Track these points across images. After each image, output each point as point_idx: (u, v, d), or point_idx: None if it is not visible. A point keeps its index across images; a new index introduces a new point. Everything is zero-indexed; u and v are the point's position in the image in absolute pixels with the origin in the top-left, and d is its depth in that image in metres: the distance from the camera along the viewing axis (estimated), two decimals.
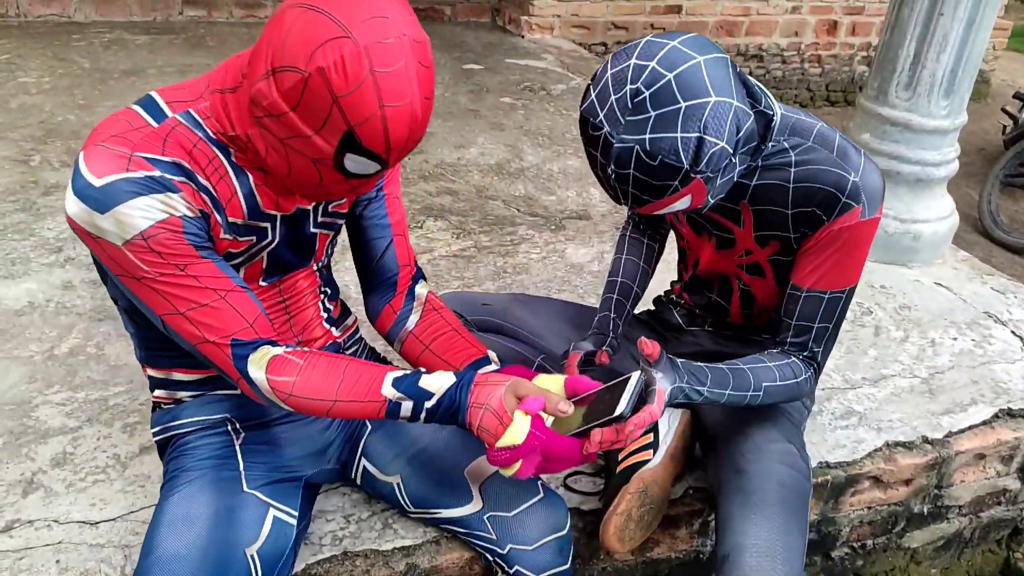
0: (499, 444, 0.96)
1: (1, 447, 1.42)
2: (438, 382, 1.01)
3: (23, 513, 1.29)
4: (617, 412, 0.97)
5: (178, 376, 1.17)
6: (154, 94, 1.01)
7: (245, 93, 0.95)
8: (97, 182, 0.92)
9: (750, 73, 5.55)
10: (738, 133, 1.00)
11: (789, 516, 1.21)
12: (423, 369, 1.09)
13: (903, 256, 2.33)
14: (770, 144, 1.15)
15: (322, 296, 1.25)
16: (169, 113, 0.98)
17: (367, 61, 0.86)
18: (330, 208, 1.16)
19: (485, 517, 1.20)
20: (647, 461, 1.35)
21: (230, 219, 1.03)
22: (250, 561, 1.07)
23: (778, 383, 1.22)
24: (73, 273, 2.00)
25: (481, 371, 1.14)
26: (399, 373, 1.02)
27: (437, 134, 3.16)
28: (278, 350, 1.03)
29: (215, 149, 1.00)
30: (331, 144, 0.90)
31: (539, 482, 1.23)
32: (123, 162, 0.93)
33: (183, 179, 0.96)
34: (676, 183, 0.99)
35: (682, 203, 1.03)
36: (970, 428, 1.71)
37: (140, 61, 3.81)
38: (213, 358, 1.02)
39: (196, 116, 0.99)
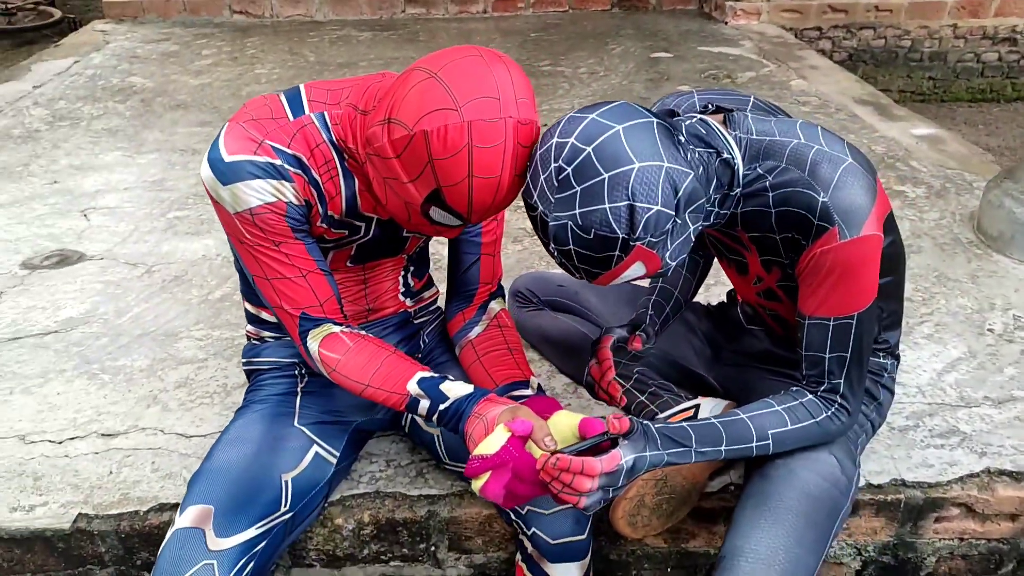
0: (474, 451, 1.04)
1: (145, 368, 1.74)
2: (456, 390, 1.13)
3: (141, 421, 1.57)
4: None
5: (265, 316, 1.35)
6: (302, 88, 1.15)
7: (368, 125, 1.07)
8: (227, 157, 1.07)
9: (999, 59, 4.91)
10: (676, 194, 0.96)
11: (805, 528, 1.14)
12: (450, 376, 1.17)
13: None
14: (743, 175, 1.10)
15: (405, 274, 1.38)
16: (307, 110, 1.12)
17: (467, 135, 0.95)
18: None
19: None
20: None
21: (330, 212, 1.17)
22: (283, 485, 1.22)
23: (788, 428, 1.14)
24: None
25: (512, 393, 1.24)
26: (427, 374, 1.15)
27: None
28: (337, 329, 1.18)
29: (333, 152, 1.13)
30: (421, 194, 1.01)
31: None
32: (253, 146, 1.08)
33: (298, 171, 1.10)
34: (617, 252, 0.97)
35: (635, 270, 1.01)
36: None
37: (356, 55, 4.25)
38: (283, 321, 1.19)
39: (327, 120, 1.12)
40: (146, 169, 2.81)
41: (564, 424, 1.10)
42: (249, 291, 1.35)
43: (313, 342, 1.17)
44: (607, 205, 0.94)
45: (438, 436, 1.37)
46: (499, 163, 0.97)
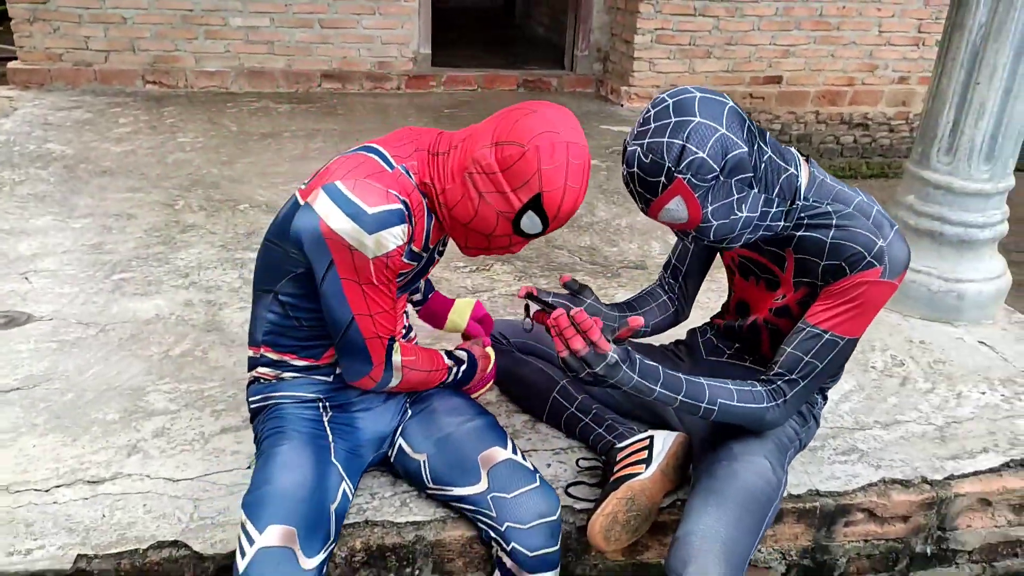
0: (446, 327, 1.74)
1: (117, 420, 1.79)
2: (460, 355, 1.62)
3: (125, 468, 1.63)
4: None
5: (291, 360, 1.47)
6: (378, 147, 1.36)
7: (457, 158, 1.32)
8: (371, 209, 1.25)
9: (854, 141, 5.58)
10: (724, 156, 1.22)
11: (743, 514, 1.37)
12: (452, 349, 1.62)
13: (947, 314, 2.38)
14: (812, 202, 1.37)
15: (411, 299, 1.71)
16: (395, 165, 1.34)
17: (566, 152, 1.25)
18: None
19: (489, 497, 1.43)
20: (639, 474, 1.54)
21: (413, 248, 1.38)
22: (330, 514, 1.35)
23: (734, 403, 1.39)
24: (194, 294, 2.42)
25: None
26: (443, 351, 1.56)
27: None
28: (397, 343, 1.45)
29: (420, 195, 1.36)
30: (521, 200, 1.27)
31: (537, 473, 1.46)
32: (384, 196, 1.27)
33: (409, 214, 1.31)
34: (662, 179, 1.24)
35: (677, 206, 1.26)
36: (975, 473, 1.77)
37: (278, 125, 4.40)
38: (371, 349, 1.38)
39: (409, 170, 1.35)
40: (82, 233, 2.84)
41: (461, 311, 1.74)
42: (275, 339, 1.46)
43: (396, 355, 1.44)
44: (666, 139, 1.22)
45: (424, 461, 1.51)
46: (582, 177, 1.28)
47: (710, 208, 1.26)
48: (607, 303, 1.68)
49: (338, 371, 1.49)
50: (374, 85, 5.31)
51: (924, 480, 1.74)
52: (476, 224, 1.32)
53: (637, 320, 1.34)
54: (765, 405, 1.40)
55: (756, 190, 1.29)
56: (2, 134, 3.98)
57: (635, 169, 1.27)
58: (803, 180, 1.37)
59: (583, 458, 1.70)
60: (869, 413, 1.96)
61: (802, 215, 1.38)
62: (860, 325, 1.36)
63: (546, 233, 1.34)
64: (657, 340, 1.84)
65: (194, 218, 3.04)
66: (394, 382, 1.45)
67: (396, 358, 1.43)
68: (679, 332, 1.79)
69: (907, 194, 2.44)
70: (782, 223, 1.36)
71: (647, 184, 1.26)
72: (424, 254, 1.43)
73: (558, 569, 1.44)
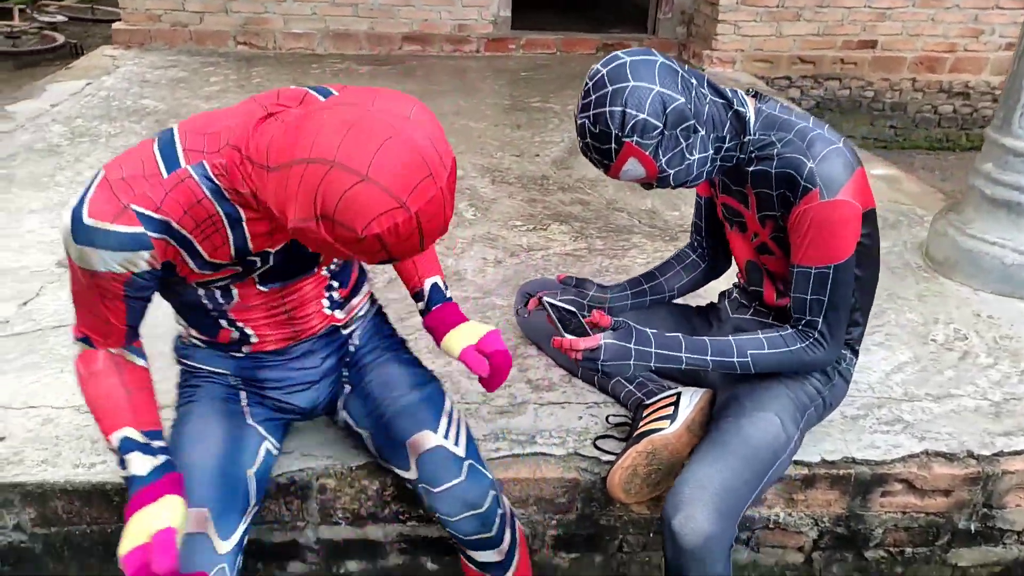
0: (442, 347, 1.44)
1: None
2: (137, 467, 1.16)
3: None
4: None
5: (194, 333, 1.37)
6: (176, 134, 1.09)
7: (271, 185, 1.01)
8: (86, 219, 1.04)
9: (954, 111, 5.29)
10: (664, 111, 1.27)
11: (742, 465, 1.38)
12: (158, 441, 1.21)
13: (1021, 289, 2.26)
14: (758, 136, 1.39)
15: (328, 290, 1.38)
16: (183, 163, 1.07)
17: (416, 221, 0.96)
18: None
19: (419, 486, 1.37)
20: (662, 429, 1.56)
21: (211, 260, 1.16)
22: (248, 480, 1.31)
23: (765, 351, 1.42)
24: None
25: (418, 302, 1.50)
26: (134, 434, 1.17)
27: None
28: (94, 350, 1.22)
29: (216, 205, 1.10)
30: (365, 260, 1.02)
31: (466, 460, 1.37)
32: (116, 211, 1.04)
33: (163, 236, 1.08)
34: (613, 145, 1.29)
35: (633, 166, 1.31)
36: None
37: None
38: (75, 318, 1.21)
39: (208, 170, 1.08)
40: None
41: (460, 338, 1.40)
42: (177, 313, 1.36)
43: (78, 347, 1.23)
44: (607, 108, 1.27)
45: (367, 437, 1.45)
46: (442, 213, 0.99)
47: (663, 160, 1.31)
48: (627, 278, 1.76)
49: (244, 350, 1.36)
50: (454, 48, 5.35)
51: (970, 454, 1.68)
52: (317, 251, 1.04)
53: (604, 319, 1.46)
54: (800, 345, 1.43)
55: (703, 132, 1.33)
56: (103, 90, 4.23)
57: (588, 139, 1.31)
58: (750, 114, 1.39)
59: (613, 415, 1.72)
60: (921, 385, 1.89)
61: (751, 149, 1.40)
62: (836, 248, 1.37)
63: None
64: (695, 301, 1.84)
65: None
66: (77, 377, 1.23)
67: (75, 349, 1.23)
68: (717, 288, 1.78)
69: (985, 162, 2.32)
70: (737, 154, 1.39)
71: (601, 151, 1.31)
72: (255, 258, 1.20)
73: (504, 546, 1.40)
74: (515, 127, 3.85)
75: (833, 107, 5.26)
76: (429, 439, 1.37)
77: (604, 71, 1.29)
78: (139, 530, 1.10)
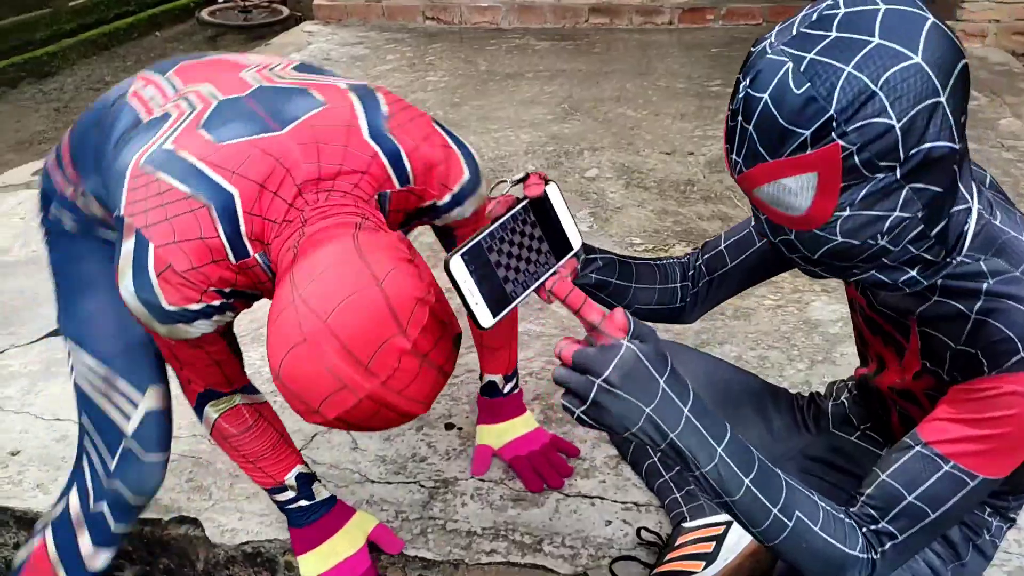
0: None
1: None
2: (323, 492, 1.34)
3: (197, 429, 1.65)
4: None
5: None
6: (240, 218, 0.99)
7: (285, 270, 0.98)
8: (167, 307, 1.00)
9: None
10: (921, 135, 0.72)
11: None
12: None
13: None
14: (959, 258, 0.86)
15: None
16: (250, 252, 1.01)
17: (378, 403, 0.86)
18: None
19: None
20: (694, 573, 1.19)
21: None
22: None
23: (815, 527, 0.87)
24: None
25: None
26: (304, 469, 1.29)
27: None
28: (240, 401, 1.23)
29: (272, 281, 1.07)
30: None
31: None
32: (196, 296, 1.01)
33: (243, 299, 1.08)
34: (808, 132, 0.72)
35: (795, 187, 0.75)
36: None
37: (525, 65, 4.25)
38: (183, 388, 1.21)
39: (269, 257, 1.02)
40: None
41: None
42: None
43: (213, 411, 1.21)
44: (848, 68, 0.71)
45: None
46: (425, 392, 0.90)
47: (852, 204, 0.75)
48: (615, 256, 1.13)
49: None
50: (644, 20, 4.90)
51: None
52: None
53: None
54: (852, 553, 0.86)
55: (922, 214, 0.77)
56: None
57: (765, 95, 0.74)
58: (971, 224, 0.85)
59: (648, 529, 1.35)
60: None
61: (946, 273, 0.86)
62: (1003, 459, 0.83)
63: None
64: (793, 386, 1.38)
65: None
66: (210, 434, 1.25)
67: (210, 412, 1.21)
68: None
69: None
70: (913, 275, 0.84)
71: (773, 129, 0.74)
72: None
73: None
74: (678, 117, 3.39)
75: None
76: None
77: (884, 8, 0.73)
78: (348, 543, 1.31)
